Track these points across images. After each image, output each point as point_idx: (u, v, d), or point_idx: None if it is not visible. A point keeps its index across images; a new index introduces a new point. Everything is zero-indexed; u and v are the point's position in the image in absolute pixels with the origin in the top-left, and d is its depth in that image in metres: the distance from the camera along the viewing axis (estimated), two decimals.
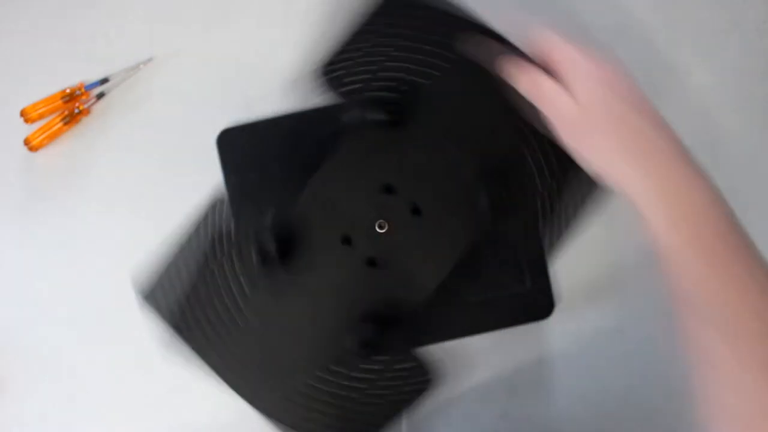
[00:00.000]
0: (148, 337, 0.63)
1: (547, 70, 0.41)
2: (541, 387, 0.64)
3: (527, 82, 0.40)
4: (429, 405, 0.63)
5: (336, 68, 0.47)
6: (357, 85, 0.47)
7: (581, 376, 0.64)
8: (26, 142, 0.64)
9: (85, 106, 0.64)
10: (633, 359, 0.64)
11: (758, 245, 0.64)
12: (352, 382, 0.45)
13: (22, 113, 0.64)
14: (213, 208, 0.47)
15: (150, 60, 0.65)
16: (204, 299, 0.47)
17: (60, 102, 0.64)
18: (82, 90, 0.64)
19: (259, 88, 0.65)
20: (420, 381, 0.45)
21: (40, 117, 0.64)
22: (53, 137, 0.64)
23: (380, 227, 0.46)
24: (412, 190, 0.46)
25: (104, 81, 0.65)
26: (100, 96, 0.65)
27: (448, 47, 0.46)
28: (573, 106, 0.38)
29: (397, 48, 0.47)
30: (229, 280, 0.46)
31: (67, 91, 0.64)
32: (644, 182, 0.35)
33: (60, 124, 0.64)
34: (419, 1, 0.47)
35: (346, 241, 0.46)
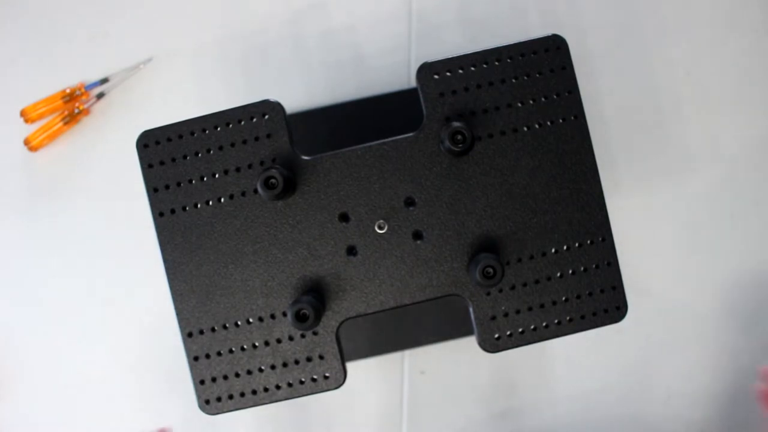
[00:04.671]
0: (148, 337, 0.63)
1: None
2: (541, 387, 0.64)
3: None
4: (430, 405, 0.63)
5: (442, 72, 0.47)
6: (451, 100, 0.46)
7: (581, 376, 0.64)
8: (26, 142, 0.64)
9: (85, 106, 0.64)
10: (633, 359, 0.64)
11: (758, 243, 0.64)
12: (270, 341, 0.46)
13: (22, 113, 0.64)
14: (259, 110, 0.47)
15: (150, 60, 0.65)
16: (194, 181, 0.46)
17: (60, 102, 0.64)
18: (82, 90, 0.64)
19: (259, 88, 0.65)
20: (328, 376, 0.46)
21: (40, 117, 0.64)
22: (53, 137, 0.64)
23: (379, 227, 0.46)
24: (428, 216, 0.46)
25: (104, 81, 0.65)
26: (100, 96, 0.65)
27: (557, 125, 0.46)
28: None
29: (513, 92, 0.46)
30: (228, 172, 0.46)
31: (67, 91, 0.64)
32: None
33: (60, 124, 0.64)
34: (571, 75, 0.47)
35: (344, 218, 0.46)
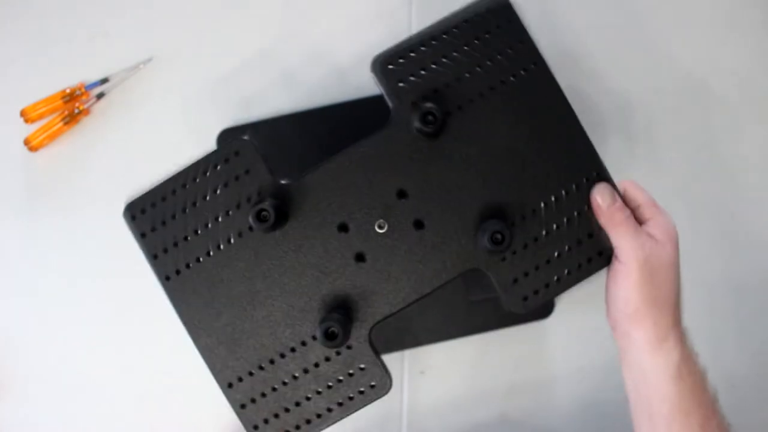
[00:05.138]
0: (149, 337, 0.63)
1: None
2: (541, 387, 0.64)
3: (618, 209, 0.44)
4: (428, 405, 0.63)
5: (398, 61, 0.47)
6: (412, 85, 0.46)
7: (581, 376, 0.64)
8: (26, 142, 0.64)
9: (85, 106, 0.64)
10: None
11: (759, 241, 0.64)
12: (308, 367, 0.45)
13: (22, 113, 0.64)
14: (230, 153, 0.47)
15: (150, 60, 0.65)
16: (189, 237, 0.46)
17: (60, 102, 0.64)
18: (82, 90, 0.64)
19: (259, 88, 0.65)
20: (374, 384, 0.46)
21: (40, 117, 0.64)
22: (53, 137, 0.64)
23: (380, 227, 0.46)
24: (423, 203, 0.46)
25: (104, 81, 0.65)
26: (100, 96, 0.65)
27: (520, 78, 0.46)
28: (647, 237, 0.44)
29: (468, 59, 0.46)
30: (219, 218, 0.46)
31: (67, 91, 0.64)
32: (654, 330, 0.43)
33: (60, 124, 0.64)
34: (518, 25, 0.47)
35: (343, 228, 0.46)
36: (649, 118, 0.65)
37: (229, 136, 0.63)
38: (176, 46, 0.66)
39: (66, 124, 0.64)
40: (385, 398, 0.62)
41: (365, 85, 0.63)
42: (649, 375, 0.43)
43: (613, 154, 0.64)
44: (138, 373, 0.63)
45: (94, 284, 0.64)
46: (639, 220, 0.45)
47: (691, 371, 0.43)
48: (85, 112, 0.65)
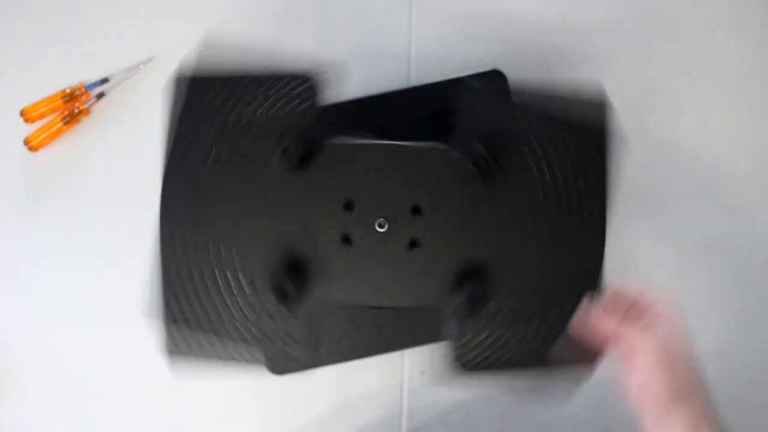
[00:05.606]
0: (149, 337, 0.63)
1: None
2: (541, 387, 0.63)
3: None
4: (428, 404, 0.63)
5: (484, 93, 0.47)
6: (480, 121, 0.46)
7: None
8: (26, 142, 0.64)
9: (85, 106, 0.64)
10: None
11: (759, 238, 0.64)
12: (245, 307, 0.45)
13: (22, 113, 0.64)
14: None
15: (150, 60, 0.65)
16: (217, 128, 0.46)
17: (60, 102, 0.64)
18: (82, 90, 0.64)
19: None
20: (293, 358, 0.46)
21: (40, 117, 0.64)
22: (53, 137, 0.64)
23: (380, 226, 0.46)
24: (429, 229, 0.46)
25: (104, 81, 0.65)
26: (100, 96, 0.65)
27: (579, 180, 0.47)
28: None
29: (542, 133, 0.46)
30: (249, 133, 0.46)
31: (67, 91, 0.64)
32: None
33: (60, 124, 0.64)
34: (606, 141, 0.47)
35: (348, 207, 0.46)
36: (648, 118, 0.65)
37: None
38: (176, 46, 0.65)
39: (66, 124, 0.64)
40: (385, 398, 0.63)
41: (364, 84, 0.63)
42: None
43: None
44: (138, 373, 0.63)
45: (94, 284, 0.63)
46: (632, 317, 0.45)
47: None
48: (85, 112, 0.65)
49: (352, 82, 0.64)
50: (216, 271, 0.45)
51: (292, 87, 0.46)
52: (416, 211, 0.46)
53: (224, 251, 0.45)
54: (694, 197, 0.65)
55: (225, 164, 0.46)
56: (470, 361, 0.46)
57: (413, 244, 0.46)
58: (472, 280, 0.44)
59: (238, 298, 0.45)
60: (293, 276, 0.44)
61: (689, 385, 0.43)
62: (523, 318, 0.46)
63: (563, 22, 0.66)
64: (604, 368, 0.63)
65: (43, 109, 0.64)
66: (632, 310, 0.45)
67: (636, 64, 0.66)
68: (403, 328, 0.62)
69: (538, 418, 0.63)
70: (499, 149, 0.45)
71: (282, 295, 0.43)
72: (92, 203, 0.64)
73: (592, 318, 0.45)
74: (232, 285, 0.45)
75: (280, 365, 0.46)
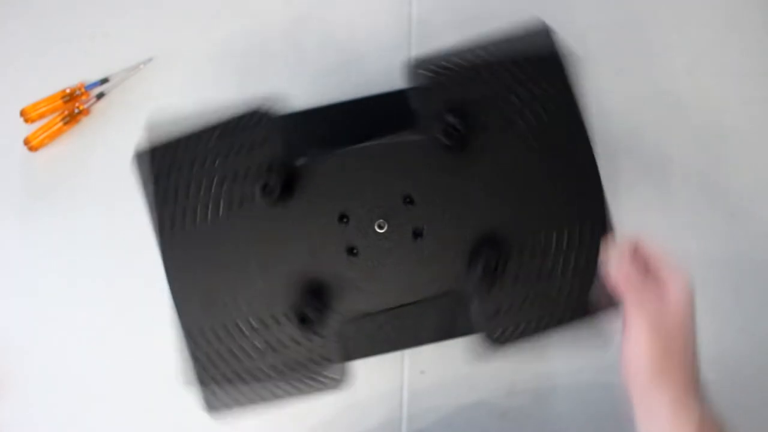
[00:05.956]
0: (149, 337, 0.63)
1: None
2: (541, 388, 0.63)
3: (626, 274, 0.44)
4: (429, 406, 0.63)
5: (433, 68, 0.46)
6: (441, 96, 0.46)
7: (581, 377, 0.63)
8: (26, 142, 0.64)
9: (85, 106, 0.64)
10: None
11: (759, 239, 0.64)
12: (274, 343, 0.45)
13: (22, 113, 0.64)
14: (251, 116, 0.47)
15: (150, 60, 0.65)
16: (193, 189, 0.46)
17: (60, 102, 0.64)
18: (82, 90, 0.64)
19: (259, 88, 0.65)
20: (331, 378, 0.45)
21: (40, 117, 0.64)
22: (53, 137, 0.64)
23: (379, 227, 0.46)
24: (427, 214, 0.46)
25: (104, 81, 0.65)
26: (100, 96, 0.65)
27: (552, 116, 0.46)
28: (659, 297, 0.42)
29: (504, 84, 0.46)
30: (224, 184, 0.46)
31: (67, 91, 0.64)
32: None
33: (60, 124, 0.64)
34: (559, 60, 0.47)
35: (343, 219, 0.46)
36: (649, 118, 0.65)
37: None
38: (176, 46, 0.66)
39: (66, 124, 0.64)
40: (385, 399, 0.63)
41: (366, 81, 0.63)
42: None
43: (613, 154, 0.64)
44: (138, 373, 0.63)
45: (94, 284, 0.63)
46: (650, 270, 0.44)
47: (712, 429, 0.42)
48: (85, 112, 0.65)
49: (352, 82, 0.65)
50: (238, 322, 0.45)
51: (248, 125, 0.46)
52: (408, 201, 0.46)
53: (240, 300, 0.46)
54: (693, 198, 0.65)
55: (212, 219, 0.46)
56: (504, 334, 0.45)
57: (417, 233, 0.46)
58: (484, 251, 0.44)
59: (265, 339, 0.45)
60: (313, 300, 0.44)
61: (679, 359, 0.42)
62: (542, 276, 0.45)
63: (563, 22, 0.66)
64: (604, 370, 0.64)
65: (43, 109, 0.64)
66: (647, 269, 0.44)
67: (636, 64, 0.66)
68: (403, 328, 0.62)
69: (538, 418, 0.63)
70: (466, 114, 0.45)
71: (304, 320, 0.43)
72: (92, 203, 0.64)
73: (608, 268, 0.44)
74: (257, 328, 0.45)
75: (321, 388, 0.46)
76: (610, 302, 0.45)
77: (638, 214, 0.64)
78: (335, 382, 0.45)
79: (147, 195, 0.46)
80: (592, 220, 0.45)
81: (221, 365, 0.45)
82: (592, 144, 0.46)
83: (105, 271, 0.64)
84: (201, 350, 0.46)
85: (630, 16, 0.66)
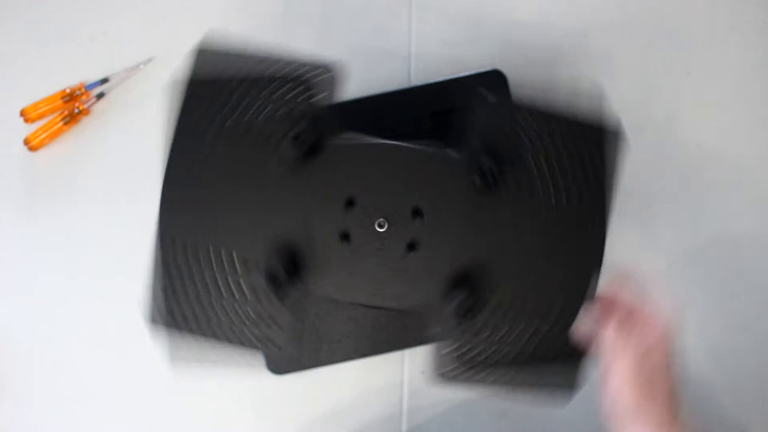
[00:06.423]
0: (149, 337, 0.63)
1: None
2: (542, 384, 0.63)
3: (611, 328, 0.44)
4: (428, 404, 0.63)
5: (498, 109, 0.47)
6: (490, 135, 0.46)
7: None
8: (26, 142, 0.64)
9: (85, 106, 0.64)
10: None
11: (760, 239, 0.64)
12: (235, 285, 0.45)
13: (22, 113, 0.64)
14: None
15: (150, 60, 0.65)
16: (226, 113, 0.46)
17: (60, 102, 0.64)
18: (82, 90, 0.65)
19: None
20: (273, 342, 0.45)
21: (40, 117, 0.64)
22: (53, 137, 0.64)
23: (379, 226, 0.46)
24: (428, 233, 0.46)
25: (104, 81, 0.65)
26: (100, 96, 0.65)
27: (581, 199, 0.46)
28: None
29: (548, 152, 0.46)
30: (257, 119, 0.46)
31: (67, 91, 0.64)
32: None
33: (60, 124, 0.64)
34: (612, 158, 0.47)
35: (349, 203, 0.46)
36: (649, 118, 0.65)
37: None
38: (176, 46, 0.65)
39: (66, 124, 0.64)
40: (385, 398, 0.63)
41: (364, 84, 0.63)
42: None
43: None
44: (138, 373, 0.63)
45: (93, 284, 0.63)
46: (633, 320, 0.44)
47: None
48: (85, 112, 0.65)
49: (352, 82, 0.64)
50: (214, 248, 0.45)
51: (298, 85, 0.46)
52: (417, 213, 0.46)
53: (225, 253, 0.45)
54: (692, 198, 0.65)
55: (226, 164, 0.46)
56: (470, 360, 0.45)
57: (411, 246, 0.46)
58: (462, 291, 0.44)
59: (232, 280, 0.45)
60: (288, 265, 0.44)
61: (657, 397, 0.42)
62: (523, 317, 0.45)
63: (563, 22, 0.66)
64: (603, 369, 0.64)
65: (43, 109, 0.64)
66: (625, 315, 0.44)
67: (636, 64, 0.66)
68: (403, 328, 0.62)
69: (538, 418, 0.62)
70: (504, 160, 0.45)
71: (273, 279, 0.43)
72: (92, 203, 0.64)
73: (586, 322, 0.45)
74: (232, 285, 0.45)
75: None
76: (581, 354, 0.46)
77: (635, 212, 0.64)
78: (275, 349, 0.45)
79: (170, 124, 0.46)
80: (586, 283, 0.46)
81: (191, 312, 0.45)
82: (608, 220, 0.46)
83: (105, 270, 0.64)
84: (167, 259, 0.45)
85: (630, 16, 0.66)
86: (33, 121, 0.64)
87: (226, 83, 0.46)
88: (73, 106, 0.64)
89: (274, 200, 0.46)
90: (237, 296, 0.45)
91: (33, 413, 0.63)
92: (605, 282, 0.46)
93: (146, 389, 0.63)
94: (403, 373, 0.63)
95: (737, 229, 0.64)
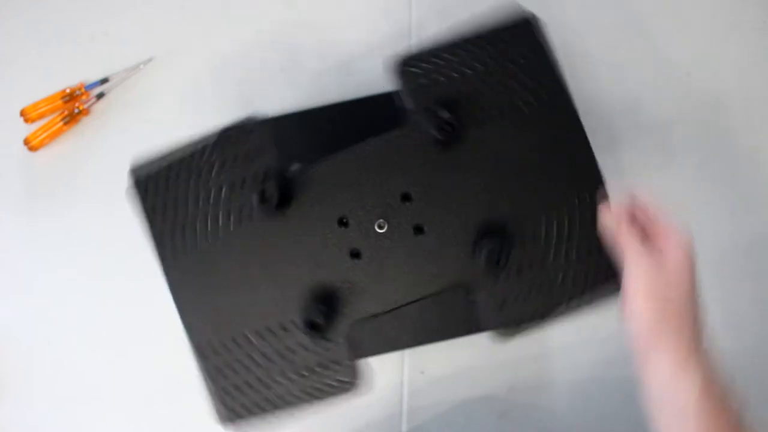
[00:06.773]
0: (149, 336, 0.63)
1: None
2: (541, 387, 0.63)
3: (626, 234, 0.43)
4: (428, 404, 0.63)
5: (420, 65, 0.46)
6: (431, 91, 0.46)
7: (581, 376, 0.63)
8: (26, 142, 0.64)
9: (85, 106, 0.64)
10: (632, 360, 0.63)
11: (760, 239, 0.64)
12: (283, 351, 0.45)
13: (22, 113, 0.64)
14: (238, 131, 0.47)
15: (150, 60, 0.65)
16: (190, 208, 0.46)
17: (60, 102, 0.64)
18: (82, 90, 0.64)
19: (259, 88, 0.65)
20: (344, 381, 0.45)
21: (40, 117, 0.64)
22: (53, 137, 0.64)
23: (380, 227, 0.46)
24: (426, 209, 0.46)
25: (104, 81, 0.65)
26: (100, 96, 0.65)
27: (541, 101, 0.46)
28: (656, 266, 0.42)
29: (491, 75, 0.46)
30: (221, 198, 0.46)
31: (67, 91, 0.64)
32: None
33: (60, 124, 0.64)
34: (541, 43, 0.47)
35: (343, 223, 0.46)
36: (655, 117, 0.65)
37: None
38: (176, 46, 0.66)
39: (66, 124, 0.64)
40: (385, 398, 0.63)
41: (365, 83, 0.63)
42: (672, 397, 0.41)
43: (614, 153, 0.64)
44: (138, 373, 0.63)
45: (93, 284, 0.63)
46: (649, 234, 0.43)
47: (715, 392, 0.40)
48: (85, 112, 0.65)
49: (352, 82, 0.65)
50: (246, 333, 0.46)
51: (238, 138, 0.46)
52: (406, 198, 0.46)
53: (260, 330, 0.46)
54: (692, 198, 0.65)
55: (212, 237, 0.46)
56: (513, 323, 0.45)
57: (417, 229, 0.46)
58: (486, 242, 0.44)
59: (274, 348, 0.46)
60: (320, 306, 0.44)
61: (677, 323, 0.41)
62: (546, 261, 0.45)
63: (563, 22, 0.66)
64: (603, 369, 0.64)
65: (43, 109, 0.64)
66: (645, 225, 0.43)
67: (636, 64, 0.66)
68: (403, 328, 0.62)
69: (538, 418, 0.63)
70: (457, 107, 0.45)
71: (314, 327, 0.43)
72: (92, 203, 0.64)
73: (606, 231, 0.44)
74: (265, 338, 0.46)
75: (334, 392, 0.46)
76: (613, 275, 0.45)
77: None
78: (349, 385, 0.45)
79: (145, 224, 0.47)
80: (590, 195, 0.45)
81: (232, 376, 0.46)
82: (581, 123, 0.46)
83: (105, 270, 0.64)
84: (212, 365, 0.46)
85: (630, 16, 0.66)
86: (33, 121, 0.64)
87: (174, 169, 0.47)
88: (73, 106, 0.64)
89: (277, 259, 0.46)
90: (290, 358, 0.45)
91: (33, 413, 0.63)
92: (620, 200, 0.45)
93: (146, 389, 0.63)
94: (403, 373, 0.63)
95: (743, 227, 0.64)
